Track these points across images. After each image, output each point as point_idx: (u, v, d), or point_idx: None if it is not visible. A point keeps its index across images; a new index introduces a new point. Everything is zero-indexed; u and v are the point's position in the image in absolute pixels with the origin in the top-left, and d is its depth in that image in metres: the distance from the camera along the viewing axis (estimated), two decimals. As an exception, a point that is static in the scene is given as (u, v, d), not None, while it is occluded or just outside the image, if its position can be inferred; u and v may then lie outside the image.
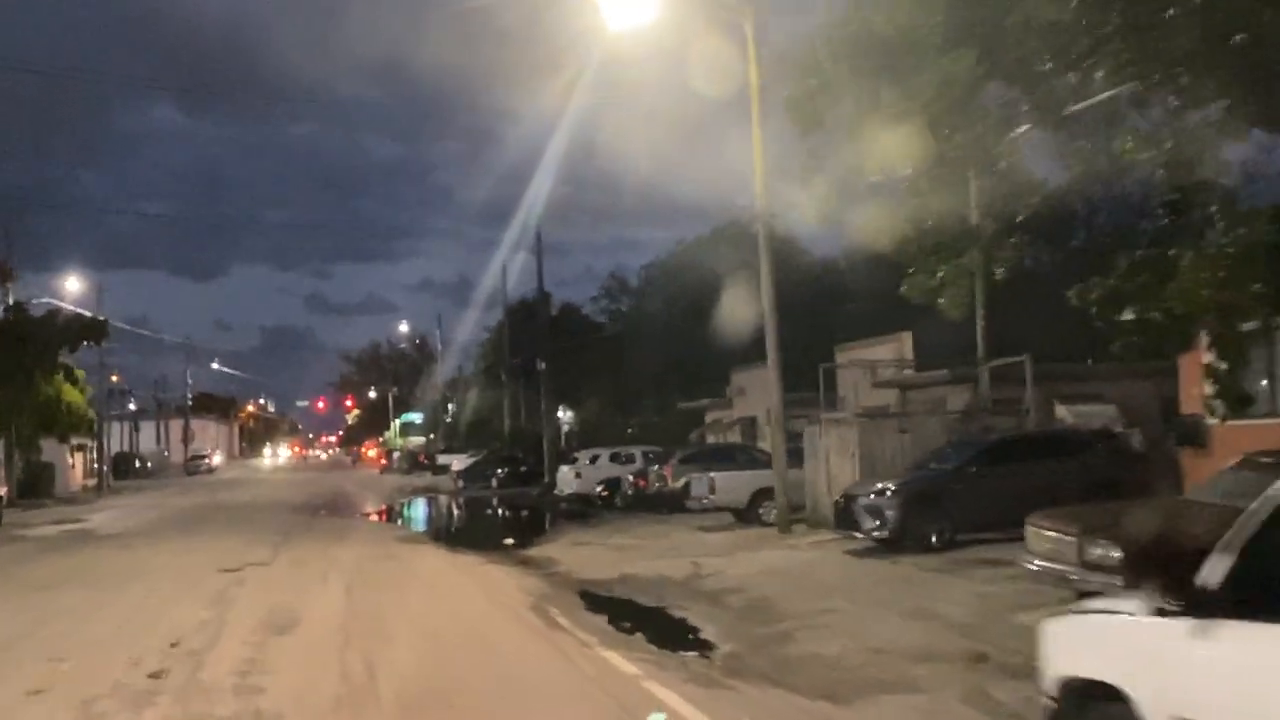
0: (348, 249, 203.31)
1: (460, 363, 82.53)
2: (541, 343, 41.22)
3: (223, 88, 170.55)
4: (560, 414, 58.14)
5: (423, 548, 22.44)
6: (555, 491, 35.23)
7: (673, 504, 26.96)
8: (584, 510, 31.20)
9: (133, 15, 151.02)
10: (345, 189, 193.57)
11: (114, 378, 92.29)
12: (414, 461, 67.96)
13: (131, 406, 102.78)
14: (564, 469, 36.98)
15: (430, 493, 48.27)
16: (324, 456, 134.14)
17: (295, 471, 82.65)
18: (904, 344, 25.28)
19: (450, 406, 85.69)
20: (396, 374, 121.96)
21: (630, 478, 29.87)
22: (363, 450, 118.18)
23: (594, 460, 34.90)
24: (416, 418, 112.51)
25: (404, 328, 77.74)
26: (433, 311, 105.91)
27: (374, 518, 33.81)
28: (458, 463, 54.19)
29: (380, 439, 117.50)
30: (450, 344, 76.80)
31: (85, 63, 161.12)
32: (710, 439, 38.93)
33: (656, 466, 28.21)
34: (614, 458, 34.57)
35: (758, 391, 34.39)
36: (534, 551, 20.69)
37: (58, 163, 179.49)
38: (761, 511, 21.90)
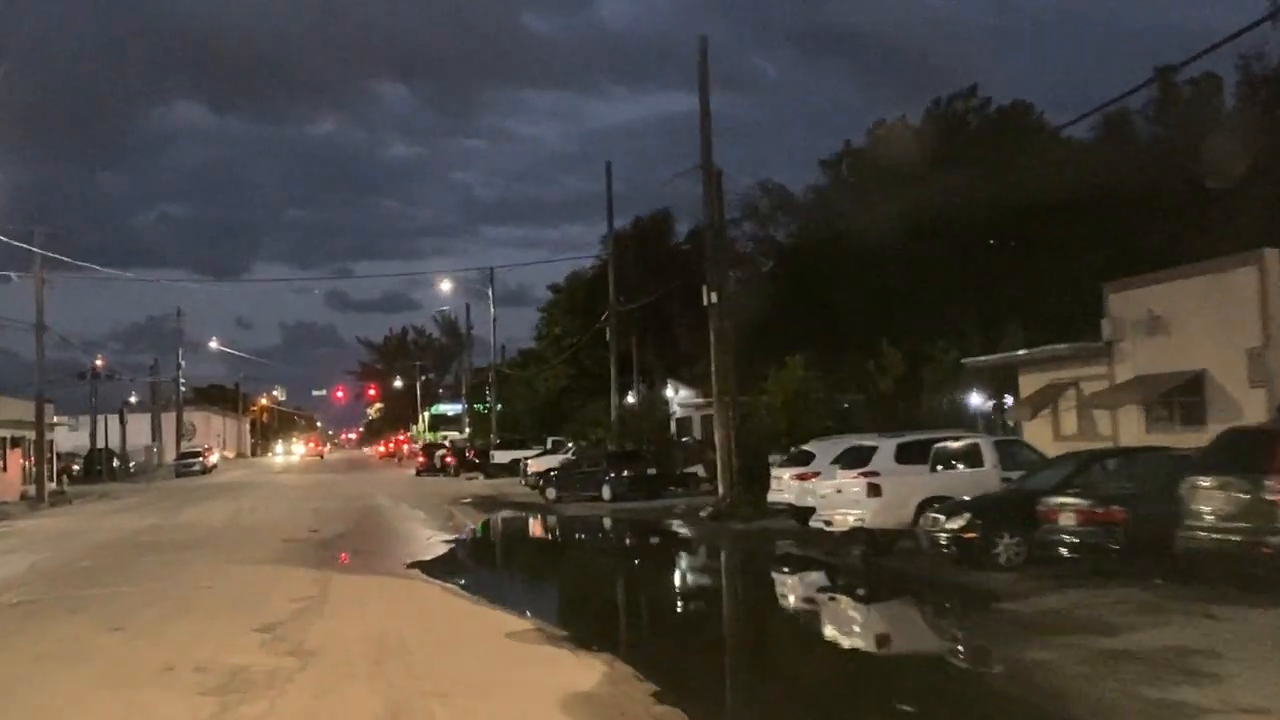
0: (368, 247, 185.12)
1: (504, 342, 64.03)
2: (718, 258, 23.33)
3: (245, 87, 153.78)
4: (670, 391, 40.40)
5: None
6: (814, 521, 17.17)
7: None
8: (940, 578, 13.59)
9: (151, 14, 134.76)
10: (365, 187, 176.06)
11: (99, 361, 75.93)
12: (462, 459, 50.23)
13: (133, 399, 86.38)
14: (786, 477, 19.47)
15: (504, 507, 30.70)
16: (333, 454, 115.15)
17: (309, 472, 64.77)
18: None
19: (488, 393, 67.79)
20: (424, 360, 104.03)
21: (1084, 504, 12.09)
22: (389, 445, 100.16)
23: (862, 460, 17.09)
24: (450, 409, 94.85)
25: (446, 286, 59.34)
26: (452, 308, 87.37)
27: (451, 575, 16.10)
28: (537, 462, 36.56)
29: (409, 432, 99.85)
30: (493, 322, 58.14)
31: (105, 63, 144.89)
32: (1014, 424, 21.19)
33: (1217, 480, 10.40)
34: (909, 454, 16.74)
35: (1206, 318, 16.61)
36: None
37: (79, 163, 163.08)
38: None
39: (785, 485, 19.39)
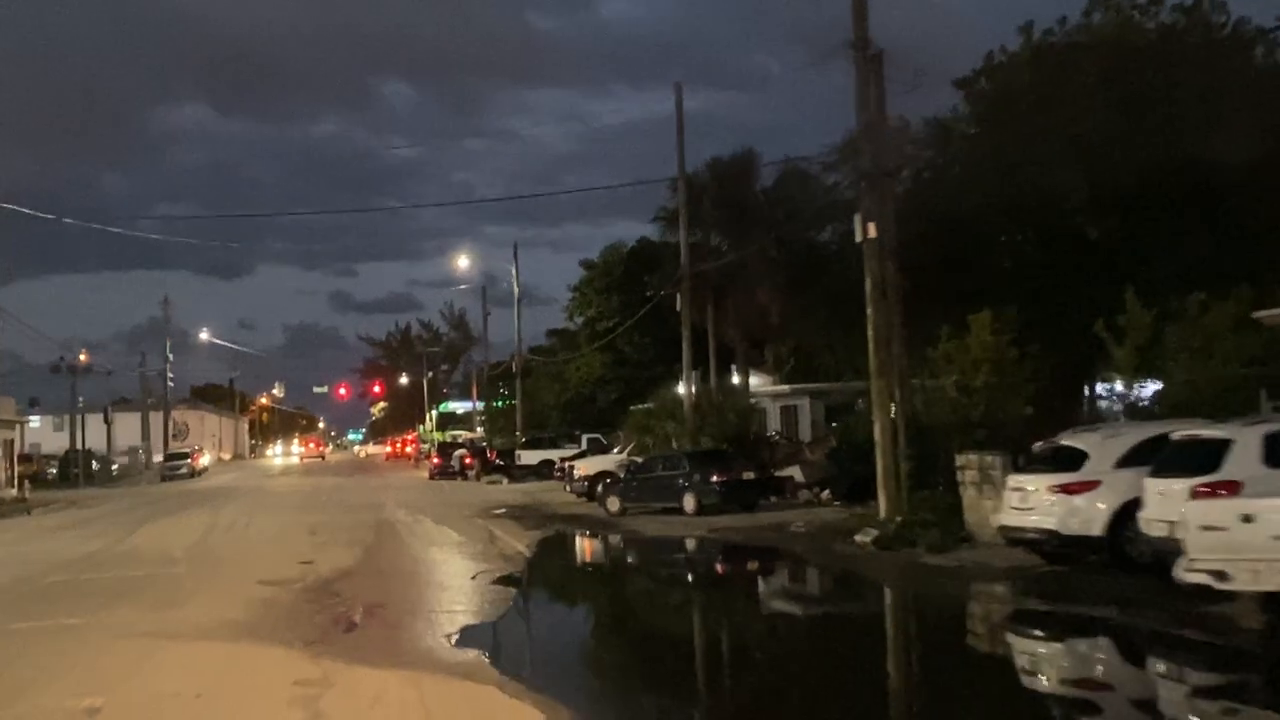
0: (372, 248, 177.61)
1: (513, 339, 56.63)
2: (878, 175, 16.11)
3: (249, 87, 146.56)
4: (736, 377, 33.18)
5: None
6: (1186, 575, 9.62)
7: None
8: None
9: (154, 14, 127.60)
10: (368, 187, 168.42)
11: (83, 357, 68.77)
12: (483, 460, 43.13)
13: (128, 398, 79.29)
14: (1035, 488, 12.38)
15: (554, 521, 23.53)
16: (335, 455, 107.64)
17: (308, 474, 57.60)
18: None
19: (504, 391, 60.74)
20: (430, 358, 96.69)
21: None
22: (394, 445, 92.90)
23: (1204, 462, 10.03)
24: (460, 406, 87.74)
25: (463, 262, 52.78)
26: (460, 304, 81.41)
27: (538, 669, 9.05)
28: (585, 464, 29.40)
29: (416, 431, 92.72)
30: (516, 302, 50.63)
31: (109, 64, 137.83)
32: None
33: None
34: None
35: None
36: None
37: (82, 162, 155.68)
38: None
39: (1036, 501, 12.31)
